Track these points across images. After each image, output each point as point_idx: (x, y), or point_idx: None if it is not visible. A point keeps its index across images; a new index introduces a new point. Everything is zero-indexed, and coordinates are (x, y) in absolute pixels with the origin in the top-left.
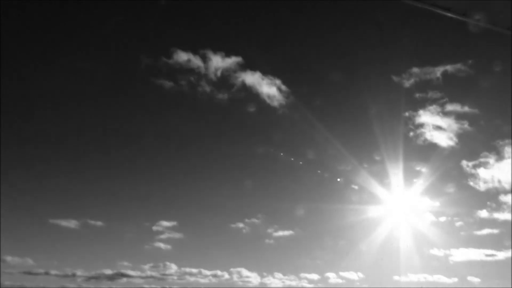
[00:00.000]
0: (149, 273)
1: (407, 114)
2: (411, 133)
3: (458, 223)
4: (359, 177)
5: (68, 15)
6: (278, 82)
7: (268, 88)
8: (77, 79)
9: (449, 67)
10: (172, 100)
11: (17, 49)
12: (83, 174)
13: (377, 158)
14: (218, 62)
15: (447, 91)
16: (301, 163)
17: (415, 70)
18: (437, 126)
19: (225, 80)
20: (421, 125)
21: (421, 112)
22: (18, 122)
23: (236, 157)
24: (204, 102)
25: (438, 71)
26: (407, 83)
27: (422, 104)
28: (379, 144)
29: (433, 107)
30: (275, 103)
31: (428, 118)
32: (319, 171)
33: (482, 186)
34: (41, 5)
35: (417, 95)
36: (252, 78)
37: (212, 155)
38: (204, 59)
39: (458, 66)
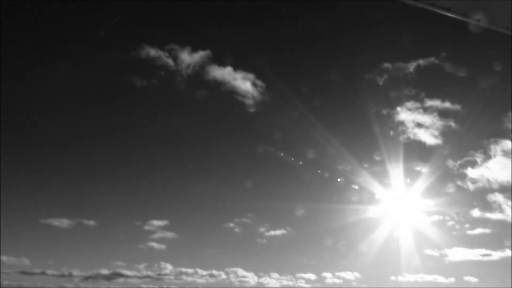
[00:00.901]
0: (145, 273)
1: (384, 111)
2: (392, 132)
3: (451, 223)
4: (359, 177)
5: (32, 13)
6: (251, 76)
7: (243, 83)
8: (60, 79)
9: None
10: (154, 99)
11: None
12: (72, 174)
13: (378, 158)
14: (188, 57)
15: (422, 87)
16: (292, 159)
17: (387, 65)
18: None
19: (198, 75)
20: (402, 123)
21: (398, 109)
22: (8, 125)
23: (224, 156)
24: (184, 100)
25: (411, 66)
26: (381, 80)
27: (399, 101)
28: (358, 144)
29: (410, 104)
30: (251, 100)
31: (408, 115)
32: (317, 171)
33: (471, 186)
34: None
35: (392, 92)
36: (224, 73)
37: (199, 155)
38: (175, 54)
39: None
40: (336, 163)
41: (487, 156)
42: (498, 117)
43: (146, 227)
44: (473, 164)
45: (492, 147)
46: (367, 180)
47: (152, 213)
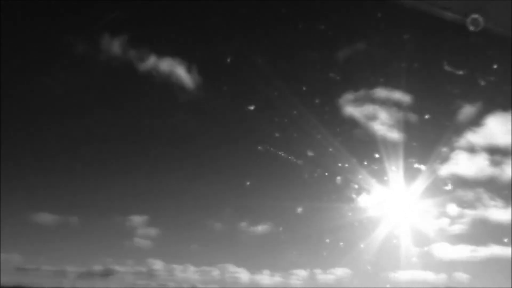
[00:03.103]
0: (137, 269)
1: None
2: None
3: (432, 219)
4: (357, 175)
5: None
6: (183, 62)
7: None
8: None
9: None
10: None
11: None
12: (48, 169)
13: (377, 156)
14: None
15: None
16: (291, 157)
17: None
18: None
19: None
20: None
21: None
22: None
23: (198, 149)
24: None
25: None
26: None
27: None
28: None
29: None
30: (192, 94)
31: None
32: (300, 166)
33: (442, 182)
34: None
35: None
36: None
37: (171, 148)
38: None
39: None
40: (328, 162)
41: (452, 150)
42: (456, 110)
43: (127, 223)
44: (441, 159)
45: (455, 140)
46: (365, 179)
47: (130, 208)
